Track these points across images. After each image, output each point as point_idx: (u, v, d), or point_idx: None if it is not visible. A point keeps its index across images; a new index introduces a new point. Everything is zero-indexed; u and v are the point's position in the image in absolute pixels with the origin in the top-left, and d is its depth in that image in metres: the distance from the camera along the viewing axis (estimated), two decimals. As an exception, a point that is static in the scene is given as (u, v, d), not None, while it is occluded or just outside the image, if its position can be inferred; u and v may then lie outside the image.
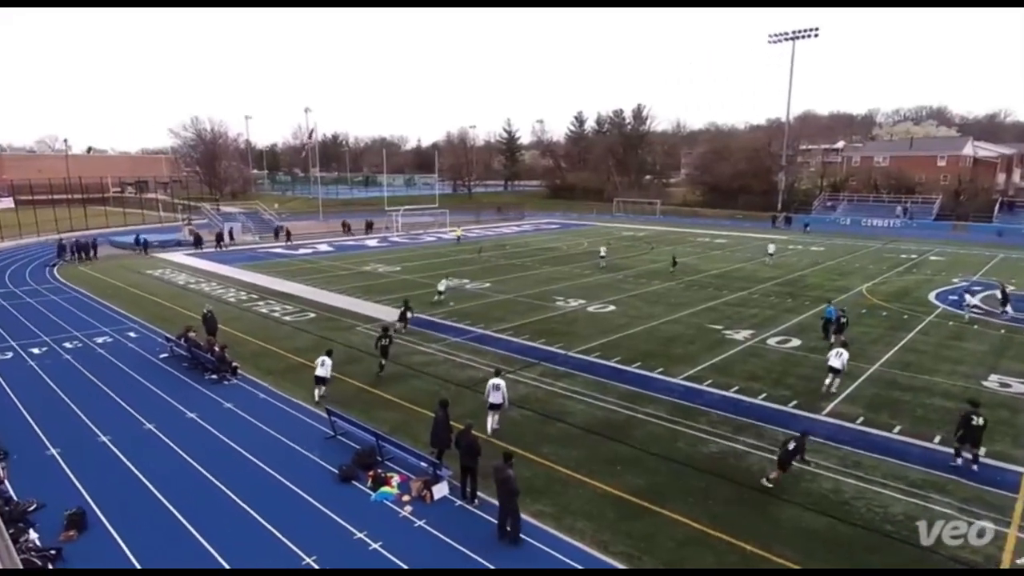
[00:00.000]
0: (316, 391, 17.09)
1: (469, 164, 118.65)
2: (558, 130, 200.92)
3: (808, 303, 29.69)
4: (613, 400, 17.32)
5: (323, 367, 17.08)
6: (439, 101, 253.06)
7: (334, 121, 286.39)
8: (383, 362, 19.10)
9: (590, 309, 28.53)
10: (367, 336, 23.74)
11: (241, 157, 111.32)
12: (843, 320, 22.74)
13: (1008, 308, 27.45)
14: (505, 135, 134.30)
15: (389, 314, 27.22)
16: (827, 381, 17.95)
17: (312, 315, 27.31)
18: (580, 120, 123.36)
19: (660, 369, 19.95)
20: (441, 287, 30.12)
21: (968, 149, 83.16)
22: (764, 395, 17.75)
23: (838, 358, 17.74)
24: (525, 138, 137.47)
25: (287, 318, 26.81)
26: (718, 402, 17.22)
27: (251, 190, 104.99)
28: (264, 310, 28.36)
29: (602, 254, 46.81)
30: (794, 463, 12.67)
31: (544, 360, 20.79)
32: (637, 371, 19.84)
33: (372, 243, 54.85)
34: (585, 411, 16.59)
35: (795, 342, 23.17)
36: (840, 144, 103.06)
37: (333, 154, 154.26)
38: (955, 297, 31.11)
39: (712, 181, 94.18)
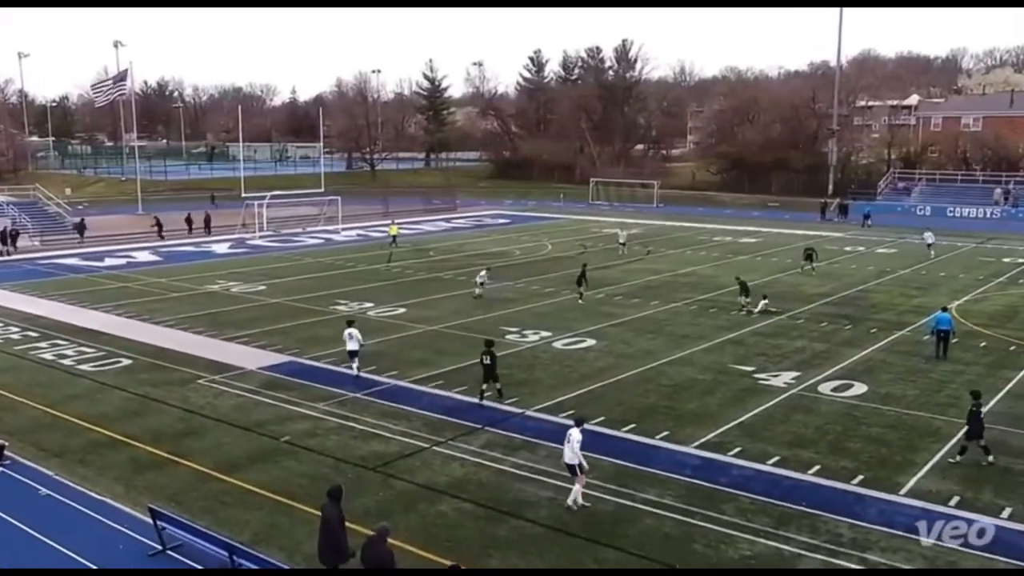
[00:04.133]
0: (354, 365, 23.83)
1: (371, 127, 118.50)
2: (506, 78, 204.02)
3: (875, 330, 30.67)
4: (595, 482, 17.29)
5: (352, 340, 23.06)
6: (324, 34, 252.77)
7: (161, 63, 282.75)
8: (487, 386, 22.17)
9: (558, 344, 28.67)
10: (214, 393, 23.21)
11: (11, 117, 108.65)
12: None
13: None
14: (426, 85, 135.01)
15: (248, 357, 26.68)
16: None
17: (126, 362, 26.58)
18: (538, 63, 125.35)
19: (664, 433, 20.13)
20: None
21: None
22: (816, 468, 18.11)
23: None
24: (456, 89, 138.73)
25: (85, 367, 26.03)
26: (750, 481, 17.47)
27: (27, 167, 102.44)
28: (49, 356, 27.47)
29: (621, 240, 49.91)
30: None
31: (490, 424, 20.73)
32: (630, 437, 19.97)
33: (221, 249, 53.77)
34: (553, 501, 16.54)
35: (859, 388, 23.80)
36: (913, 100, 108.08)
37: (160, 112, 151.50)
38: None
39: (733, 153, 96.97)
